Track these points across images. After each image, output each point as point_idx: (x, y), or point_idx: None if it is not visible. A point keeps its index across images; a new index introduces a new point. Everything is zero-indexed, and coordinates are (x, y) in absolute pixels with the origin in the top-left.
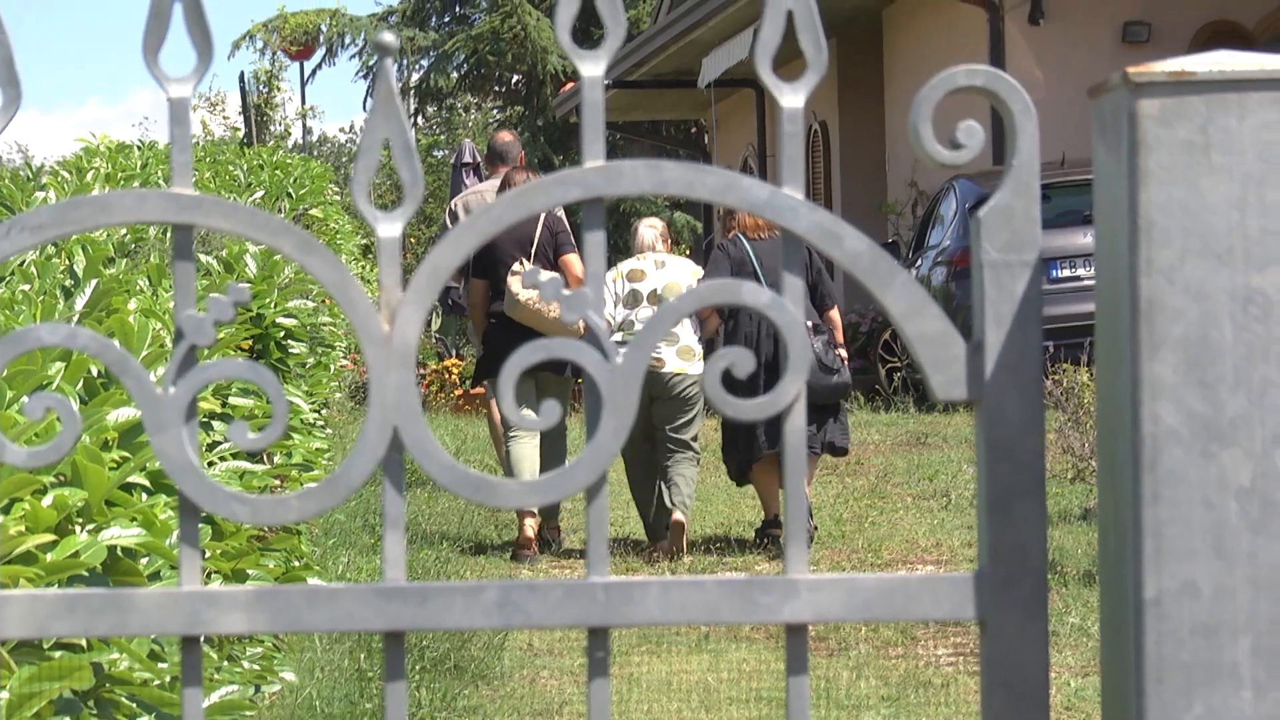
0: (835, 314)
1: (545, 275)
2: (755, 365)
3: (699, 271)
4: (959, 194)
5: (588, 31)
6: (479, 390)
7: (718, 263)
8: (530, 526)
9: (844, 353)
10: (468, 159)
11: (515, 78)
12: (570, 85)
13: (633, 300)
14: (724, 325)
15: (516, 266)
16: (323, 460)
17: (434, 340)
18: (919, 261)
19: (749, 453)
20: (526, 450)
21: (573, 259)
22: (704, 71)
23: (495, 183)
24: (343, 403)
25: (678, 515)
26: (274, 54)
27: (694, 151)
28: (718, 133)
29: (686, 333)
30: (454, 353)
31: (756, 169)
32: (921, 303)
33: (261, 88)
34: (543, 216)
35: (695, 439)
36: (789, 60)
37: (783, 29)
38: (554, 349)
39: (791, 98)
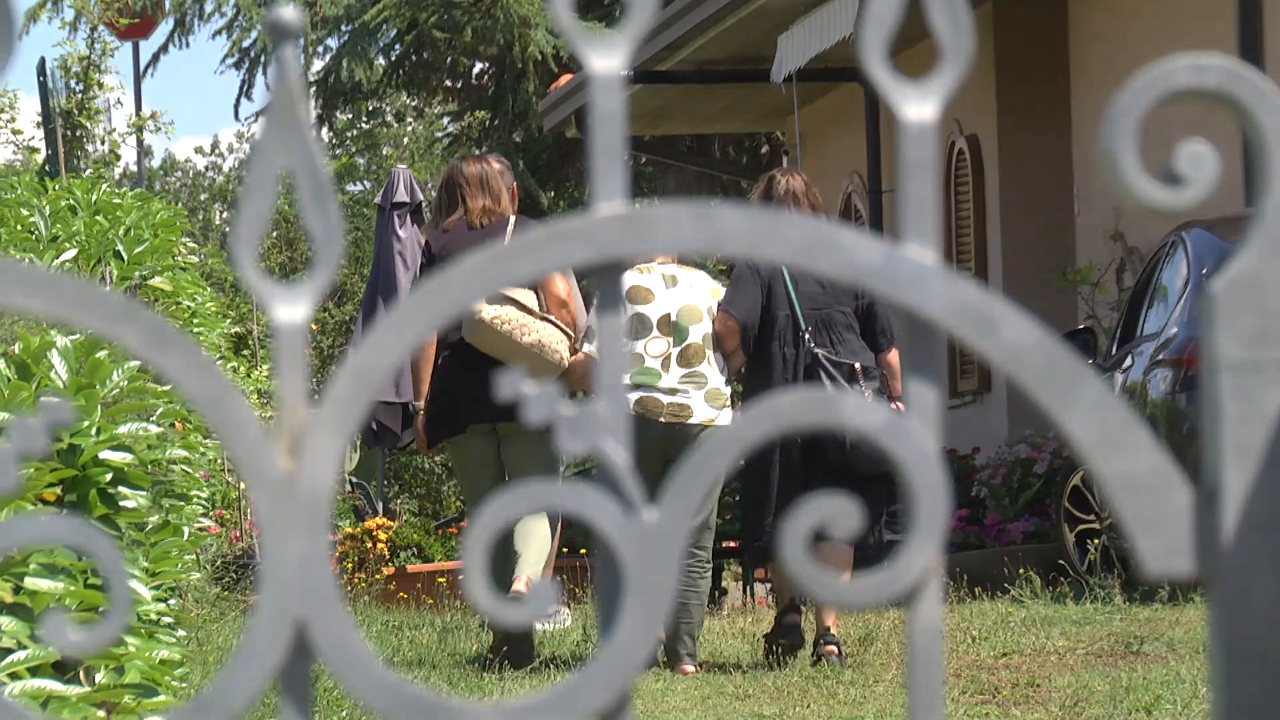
0: (894, 357)
1: (521, 293)
2: (844, 492)
3: (719, 291)
4: (1191, 253)
5: None
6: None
7: (742, 284)
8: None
9: (901, 406)
10: (402, 195)
11: (478, 67)
12: (566, 79)
13: (639, 328)
14: (753, 366)
15: None
16: (173, 679)
17: (348, 488)
18: (1128, 360)
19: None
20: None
21: (553, 276)
22: (780, 58)
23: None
24: (203, 588)
25: (687, 667)
26: (93, 29)
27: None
28: (803, 155)
29: (714, 372)
30: (379, 508)
31: (866, 212)
32: (1122, 427)
33: (73, 84)
34: (511, 223)
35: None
36: (915, 42)
37: None
38: (543, 488)
39: (919, 105)
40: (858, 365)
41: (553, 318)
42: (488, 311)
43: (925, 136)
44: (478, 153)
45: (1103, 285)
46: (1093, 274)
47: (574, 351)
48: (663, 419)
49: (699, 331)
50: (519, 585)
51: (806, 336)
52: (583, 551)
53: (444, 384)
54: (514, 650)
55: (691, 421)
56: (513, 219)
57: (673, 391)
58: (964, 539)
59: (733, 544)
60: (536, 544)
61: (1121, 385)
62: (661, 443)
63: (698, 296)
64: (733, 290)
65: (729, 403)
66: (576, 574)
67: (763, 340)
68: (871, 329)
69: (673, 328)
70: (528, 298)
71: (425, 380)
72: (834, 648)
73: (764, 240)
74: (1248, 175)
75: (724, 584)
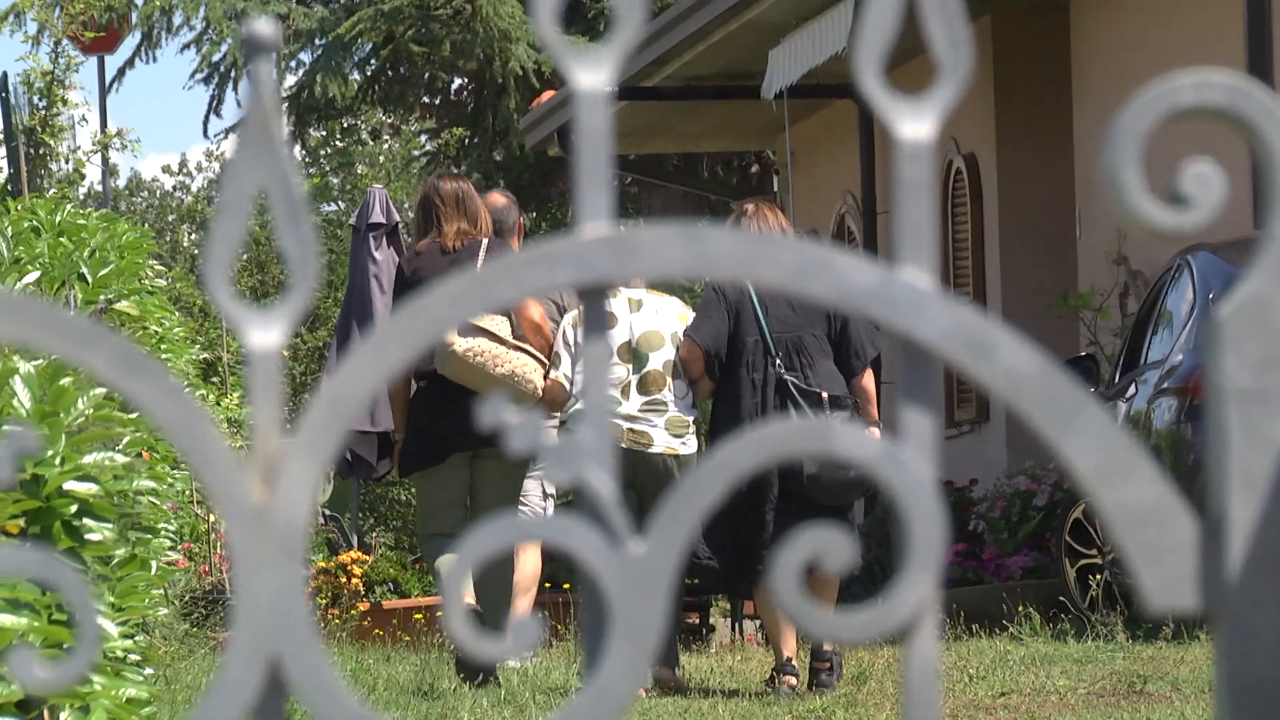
0: (868, 381)
1: (493, 322)
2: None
3: (687, 315)
4: (1197, 278)
5: (578, 7)
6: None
7: (708, 310)
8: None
9: (875, 432)
10: (378, 216)
11: (456, 82)
12: (549, 95)
13: None
14: (721, 392)
15: None
16: (140, 718)
17: (322, 521)
18: (1131, 388)
19: (751, 562)
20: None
21: (527, 300)
22: (771, 74)
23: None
24: (172, 624)
25: (665, 672)
26: (56, 43)
27: (762, 197)
28: (794, 175)
29: (676, 399)
30: (354, 541)
31: (860, 234)
32: (1125, 457)
33: (36, 100)
34: (484, 245)
35: None
36: (911, 57)
37: (899, 10)
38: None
39: (915, 123)
40: (825, 394)
41: (526, 345)
42: (460, 344)
43: (921, 155)
44: (455, 171)
45: (1105, 310)
46: (1095, 299)
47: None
48: (623, 445)
49: (659, 359)
50: (467, 600)
51: (777, 363)
52: (566, 586)
53: (426, 413)
54: (470, 669)
55: (652, 450)
56: (486, 241)
57: (632, 419)
58: (961, 574)
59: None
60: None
61: (1125, 414)
62: (622, 468)
63: (662, 323)
64: (699, 316)
65: (692, 430)
66: (559, 609)
67: (731, 365)
68: (845, 352)
69: (632, 355)
70: (500, 326)
71: (402, 410)
72: (793, 679)
73: (756, 263)
74: (1256, 196)
75: (712, 620)
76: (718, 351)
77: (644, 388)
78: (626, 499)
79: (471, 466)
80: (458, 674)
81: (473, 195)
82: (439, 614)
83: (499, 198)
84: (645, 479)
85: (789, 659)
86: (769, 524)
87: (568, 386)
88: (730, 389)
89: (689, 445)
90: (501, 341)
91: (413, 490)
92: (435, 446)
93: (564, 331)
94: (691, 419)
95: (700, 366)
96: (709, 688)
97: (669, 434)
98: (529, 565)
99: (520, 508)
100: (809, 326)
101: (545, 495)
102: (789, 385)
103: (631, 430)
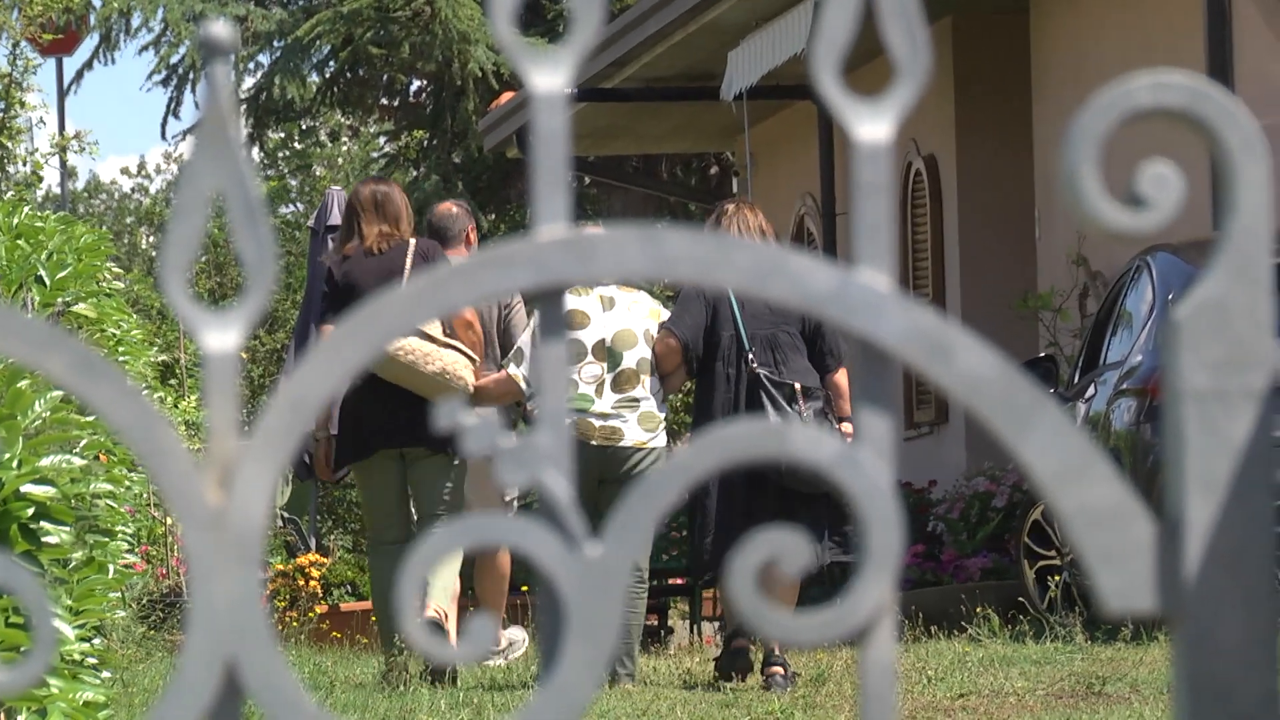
0: (842, 378)
1: (432, 325)
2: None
3: (660, 313)
4: (1156, 279)
5: (537, 9)
6: (352, 605)
7: (687, 304)
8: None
9: (848, 428)
10: (336, 218)
11: (415, 84)
12: (508, 97)
13: (574, 353)
14: (698, 387)
15: None
16: None
17: (279, 523)
18: (1090, 389)
19: (726, 542)
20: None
21: None
22: (730, 75)
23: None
24: (129, 627)
25: (627, 685)
26: (14, 45)
27: (714, 206)
28: (754, 176)
29: (649, 395)
30: (312, 544)
31: (819, 235)
32: (1082, 458)
33: None
34: (413, 244)
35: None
36: (870, 58)
37: (857, 11)
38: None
39: (873, 125)
40: (798, 386)
41: (456, 343)
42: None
43: (879, 157)
44: (450, 201)
45: (1065, 311)
46: (1054, 300)
47: (480, 372)
48: (595, 442)
49: (633, 356)
50: (429, 613)
51: (750, 357)
52: (524, 589)
53: (352, 410)
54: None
55: (623, 444)
56: (413, 242)
57: (605, 416)
58: (920, 576)
59: (679, 581)
60: (445, 571)
61: (1084, 415)
62: (594, 465)
63: (635, 320)
64: (678, 310)
65: (663, 425)
66: (517, 611)
67: (707, 360)
68: (819, 350)
69: (607, 353)
70: (431, 324)
71: (329, 406)
72: (780, 669)
73: (713, 265)
74: (1214, 197)
75: (670, 623)
76: (695, 345)
77: (618, 385)
78: (601, 495)
79: (405, 465)
80: (418, 673)
81: (393, 198)
82: (374, 619)
83: (450, 206)
84: (610, 472)
85: (772, 650)
86: (746, 514)
87: (523, 385)
88: (706, 383)
89: (659, 439)
90: (432, 339)
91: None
92: (360, 443)
93: (533, 330)
94: (662, 415)
95: (676, 360)
96: (667, 689)
97: (640, 429)
98: (500, 565)
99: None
100: (783, 325)
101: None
102: (762, 379)
103: (604, 427)
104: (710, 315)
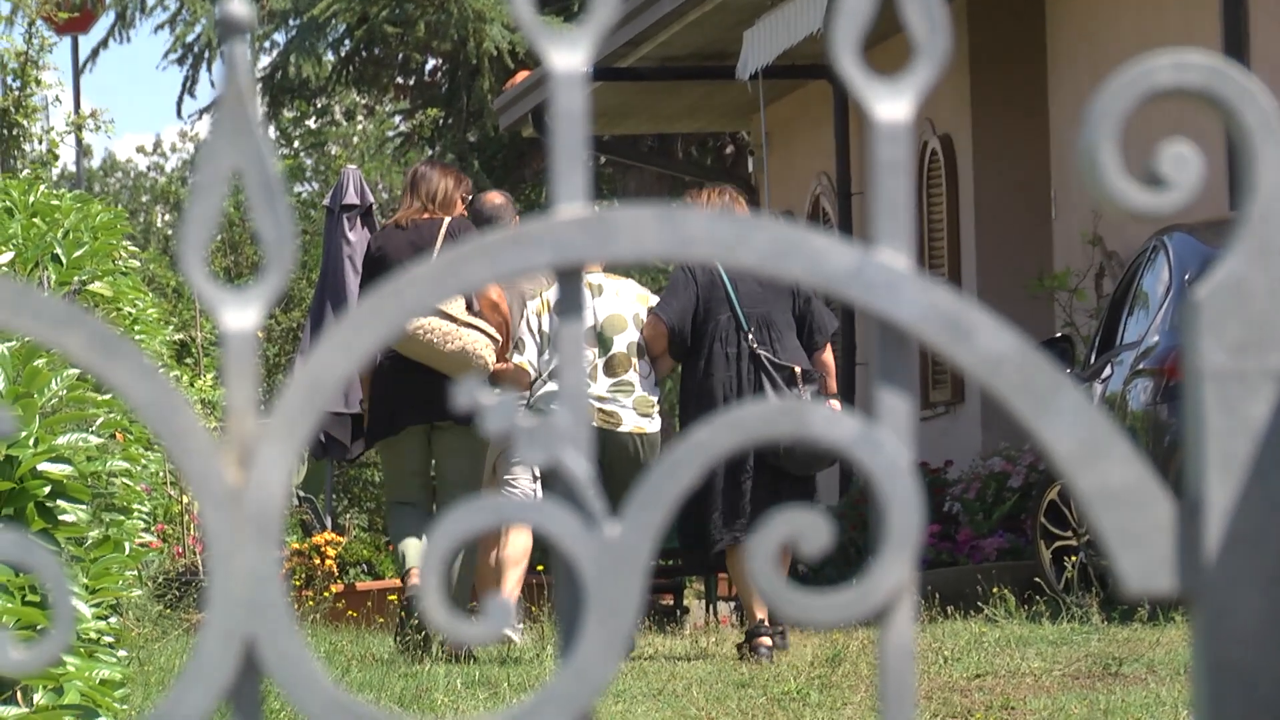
0: (828, 356)
1: (455, 305)
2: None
3: (649, 298)
4: (1174, 259)
5: None
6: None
7: (676, 288)
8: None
9: (836, 404)
10: (351, 197)
11: (431, 62)
12: (523, 75)
13: None
14: (693, 367)
15: None
16: (114, 700)
17: (295, 502)
18: (1107, 369)
19: (720, 532)
20: (415, 528)
21: None
22: (746, 54)
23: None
24: (145, 605)
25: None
26: (30, 24)
27: (730, 185)
28: (769, 156)
29: (640, 380)
30: (328, 523)
31: (835, 214)
32: (1101, 438)
33: (10, 80)
34: (445, 223)
35: None
36: (887, 36)
37: None
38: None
39: (892, 104)
40: (798, 369)
41: (478, 322)
42: (412, 321)
43: (899, 136)
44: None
45: (1081, 291)
46: (1071, 280)
47: (504, 353)
48: (594, 424)
49: (623, 341)
50: (412, 578)
51: (750, 337)
52: (540, 568)
53: (381, 388)
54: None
55: (621, 429)
56: (447, 220)
57: (602, 399)
58: (936, 556)
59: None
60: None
61: (1101, 395)
62: (592, 447)
63: (623, 305)
64: (667, 294)
65: (657, 409)
66: (534, 591)
67: (704, 341)
68: (809, 327)
69: (598, 338)
70: (454, 304)
71: (366, 384)
72: (766, 639)
73: (732, 245)
74: (1232, 177)
75: (686, 603)
76: (682, 329)
77: (610, 370)
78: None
79: (431, 440)
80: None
81: (429, 176)
82: (392, 598)
83: (495, 196)
84: (614, 457)
85: (762, 620)
86: (745, 492)
87: (531, 372)
88: (703, 363)
89: (654, 424)
90: (453, 319)
91: None
92: (389, 419)
93: (528, 319)
94: (656, 398)
95: (663, 344)
96: (684, 669)
97: (636, 413)
98: (518, 543)
99: (510, 490)
100: (776, 303)
101: (535, 478)
102: (762, 359)
103: (602, 410)
104: (703, 298)
